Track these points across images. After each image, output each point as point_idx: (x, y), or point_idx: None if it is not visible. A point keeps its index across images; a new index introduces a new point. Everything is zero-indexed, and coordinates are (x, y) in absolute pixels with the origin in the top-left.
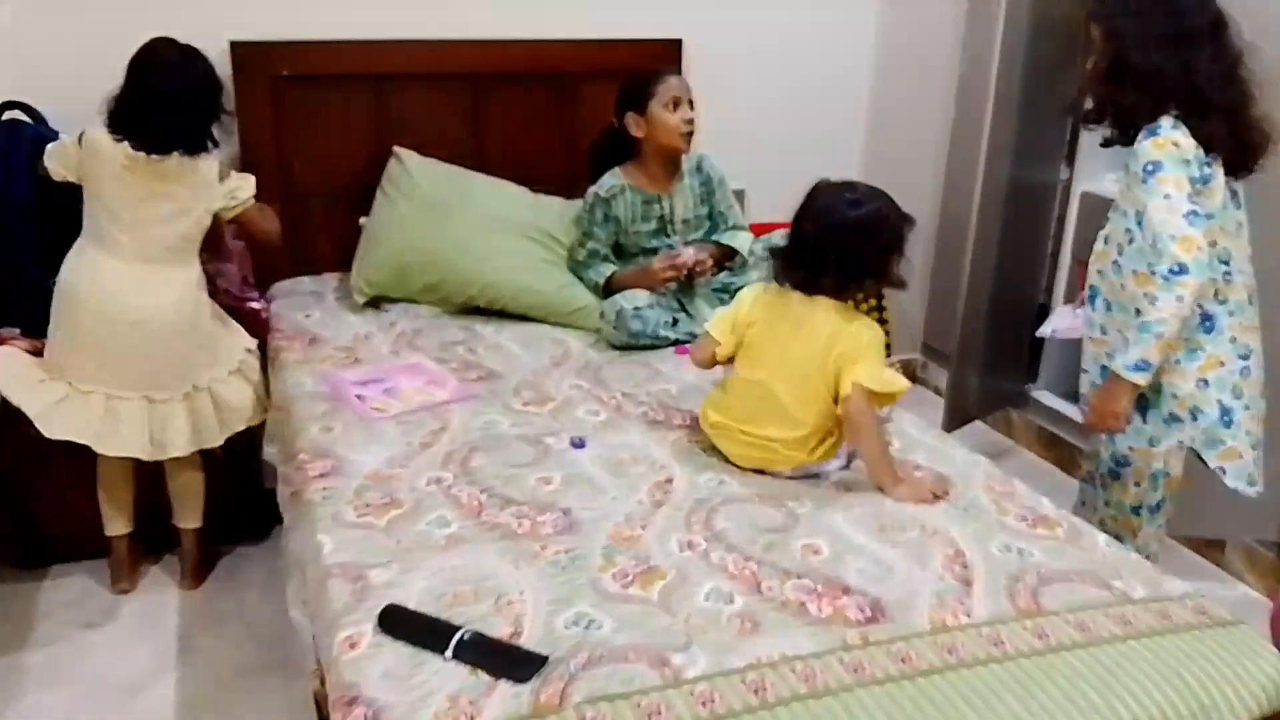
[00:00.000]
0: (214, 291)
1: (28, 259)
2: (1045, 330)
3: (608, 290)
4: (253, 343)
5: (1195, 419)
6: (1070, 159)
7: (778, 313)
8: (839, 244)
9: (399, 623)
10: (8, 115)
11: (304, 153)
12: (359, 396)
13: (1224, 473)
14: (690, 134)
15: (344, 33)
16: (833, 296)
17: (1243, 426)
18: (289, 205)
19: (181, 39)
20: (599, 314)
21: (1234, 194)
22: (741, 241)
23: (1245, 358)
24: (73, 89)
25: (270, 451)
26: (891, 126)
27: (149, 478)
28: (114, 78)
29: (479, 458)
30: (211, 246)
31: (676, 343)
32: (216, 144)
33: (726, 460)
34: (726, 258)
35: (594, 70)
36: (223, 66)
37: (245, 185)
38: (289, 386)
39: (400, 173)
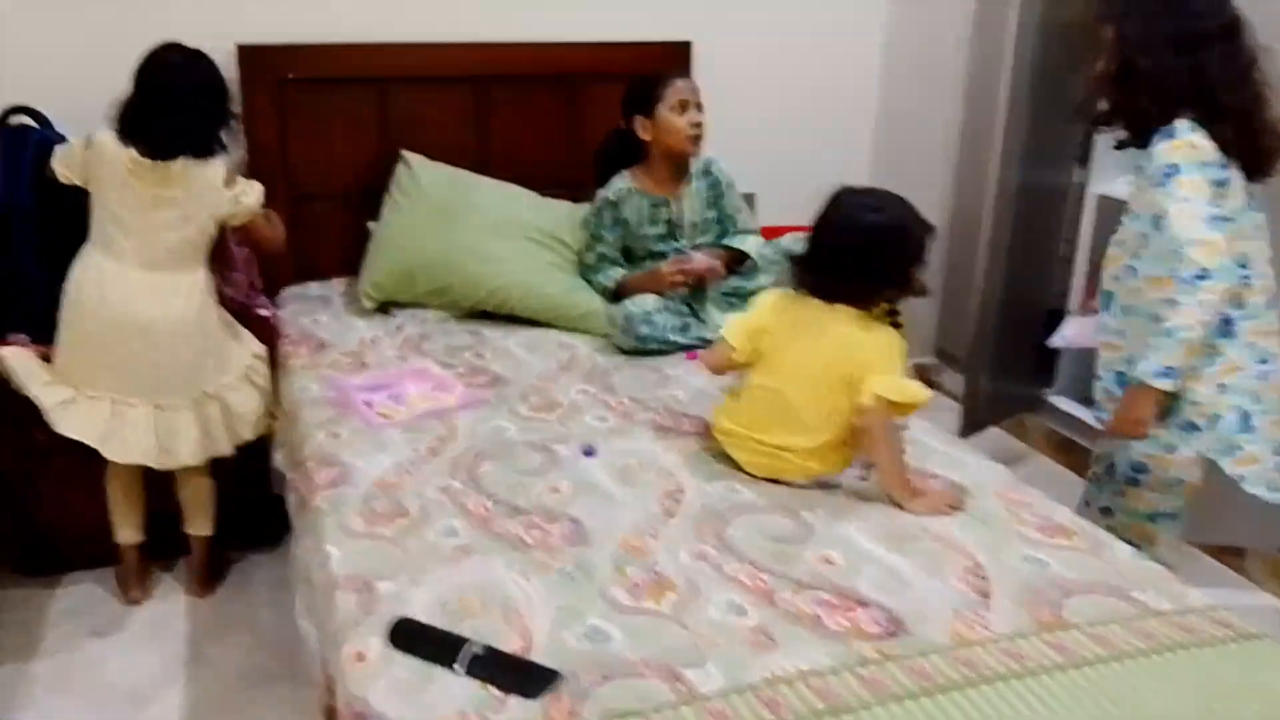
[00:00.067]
0: (222, 298)
1: (29, 262)
2: (1056, 340)
3: (617, 294)
4: (261, 348)
5: (1214, 425)
6: (1084, 161)
7: (796, 320)
8: (860, 253)
9: (409, 636)
10: (14, 120)
11: (310, 156)
12: (365, 402)
13: (1242, 479)
14: (698, 137)
15: (350, 36)
16: (853, 305)
17: (1262, 432)
18: (294, 208)
19: (188, 42)
20: (607, 318)
21: (1252, 196)
22: (751, 245)
23: (1264, 362)
24: (79, 93)
25: (280, 458)
26: (901, 128)
27: (159, 484)
28: (120, 82)
29: (486, 465)
30: (219, 257)
31: (686, 348)
32: (225, 149)
33: (738, 468)
34: (736, 262)
35: (601, 73)
36: (229, 70)
37: (251, 192)
38: (296, 392)
39: (407, 177)
